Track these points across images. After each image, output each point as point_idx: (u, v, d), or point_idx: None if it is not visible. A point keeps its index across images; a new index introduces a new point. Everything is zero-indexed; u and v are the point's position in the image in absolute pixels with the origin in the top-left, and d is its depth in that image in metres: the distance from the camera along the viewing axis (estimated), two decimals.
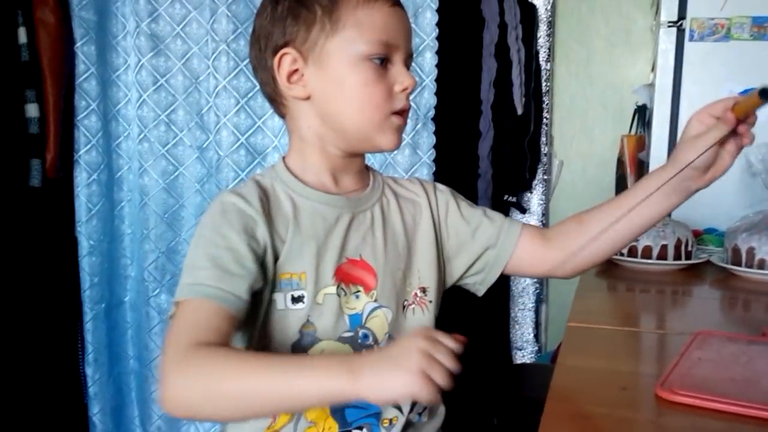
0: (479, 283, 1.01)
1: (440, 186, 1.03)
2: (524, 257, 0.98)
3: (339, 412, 0.86)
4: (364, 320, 0.88)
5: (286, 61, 0.87)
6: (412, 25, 1.72)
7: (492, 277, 0.99)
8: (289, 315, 0.84)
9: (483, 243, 0.98)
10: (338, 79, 0.85)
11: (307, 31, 0.85)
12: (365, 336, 0.88)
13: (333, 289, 0.86)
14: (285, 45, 0.87)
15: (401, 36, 0.87)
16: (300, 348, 0.85)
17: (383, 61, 0.85)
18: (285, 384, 0.67)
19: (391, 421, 0.89)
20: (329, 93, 0.87)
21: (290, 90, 0.88)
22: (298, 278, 0.84)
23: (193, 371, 0.69)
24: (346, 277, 0.87)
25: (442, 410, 0.99)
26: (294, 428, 0.86)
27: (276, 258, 0.83)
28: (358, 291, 0.88)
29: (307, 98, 0.88)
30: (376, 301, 0.89)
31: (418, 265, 0.95)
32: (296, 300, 0.84)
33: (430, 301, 0.94)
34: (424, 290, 0.94)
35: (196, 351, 0.69)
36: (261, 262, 0.81)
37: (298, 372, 0.67)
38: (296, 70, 0.87)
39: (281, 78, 0.88)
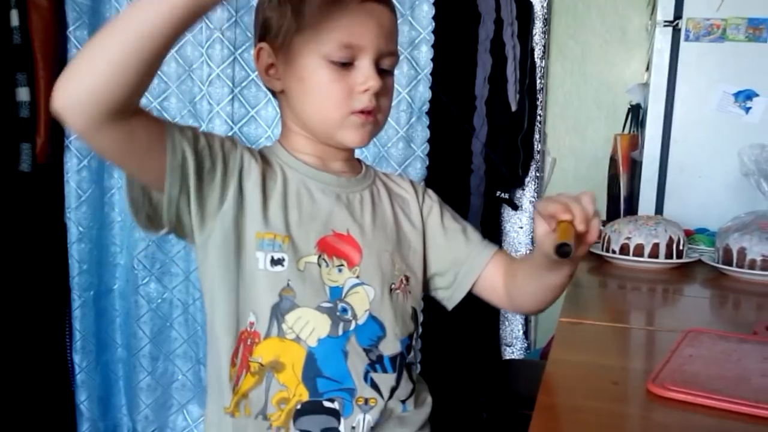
0: (447, 299, 1.02)
1: (430, 191, 1.05)
2: (486, 285, 1.00)
3: (311, 380, 0.86)
4: (344, 294, 0.89)
5: (263, 54, 0.90)
6: (408, 18, 1.73)
7: (459, 295, 1.01)
8: (269, 276, 0.85)
9: (451, 258, 1.00)
10: (300, 77, 0.87)
11: (279, 26, 0.87)
12: (344, 309, 0.88)
13: (314, 259, 0.87)
14: (263, 38, 0.90)
15: (371, 35, 0.86)
16: (278, 311, 0.86)
17: (346, 63, 0.86)
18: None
19: (367, 401, 0.89)
20: (294, 90, 0.89)
21: (268, 82, 0.92)
22: (281, 241, 0.86)
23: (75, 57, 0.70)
24: (329, 249, 0.89)
25: (429, 400, 0.99)
26: (266, 390, 0.86)
27: (242, 200, 0.85)
28: (342, 265, 0.89)
29: (282, 92, 0.91)
30: (358, 277, 0.90)
31: (406, 253, 0.97)
32: (276, 262, 0.85)
33: (409, 292, 0.96)
34: (407, 279, 0.96)
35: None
36: (223, 169, 0.83)
37: None
38: (272, 64, 0.90)
39: (260, 70, 0.91)
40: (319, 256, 0.88)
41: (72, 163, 1.85)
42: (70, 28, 1.79)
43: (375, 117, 0.89)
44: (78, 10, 1.79)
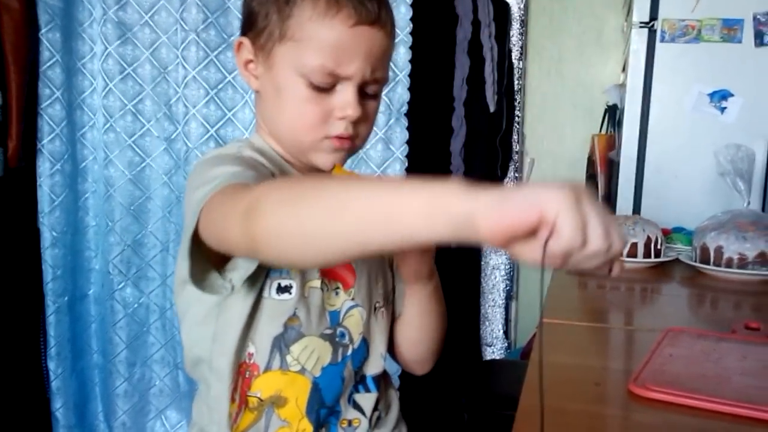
0: None
1: None
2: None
3: (314, 413, 0.83)
4: (341, 318, 0.86)
5: (243, 50, 0.83)
6: None
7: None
8: (274, 305, 0.80)
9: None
10: (278, 87, 0.81)
11: (262, 27, 0.80)
12: (342, 334, 0.85)
13: (318, 283, 0.83)
14: (245, 33, 0.83)
15: (357, 63, 0.78)
16: (282, 342, 0.81)
17: (326, 87, 0.79)
18: (387, 194, 0.53)
19: (350, 422, 0.87)
20: (270, 96, 0.83)
21: (246, 78, 0.85)
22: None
23: (281, 195, 0.58)
24: (329, 273, 0.85)
25: (392, 393, 0.97)
26: (265, 428, 0.82)
27: None
28: (338, 287, 0.86)
29: (257, 92, 0.85)
30: (353, 299, 0.87)
31: (386, 270, 0.95)
32: (282, 290, 0.80)
33: (387, 309, 0.94)
34: (386, 297, 0.94)
35: (273, 185, 0.61)
36: None
37: (402, 184, 0.55)
38: (252, 61, 0.83)
39: (239, 64, 0.85)
40: (322, 280, 0.83)
41: (45, 167, 1.81)
42: (42, 31, 1.75)
43: (351, 142, 0.83)
44: (50, 13, 1.76)
